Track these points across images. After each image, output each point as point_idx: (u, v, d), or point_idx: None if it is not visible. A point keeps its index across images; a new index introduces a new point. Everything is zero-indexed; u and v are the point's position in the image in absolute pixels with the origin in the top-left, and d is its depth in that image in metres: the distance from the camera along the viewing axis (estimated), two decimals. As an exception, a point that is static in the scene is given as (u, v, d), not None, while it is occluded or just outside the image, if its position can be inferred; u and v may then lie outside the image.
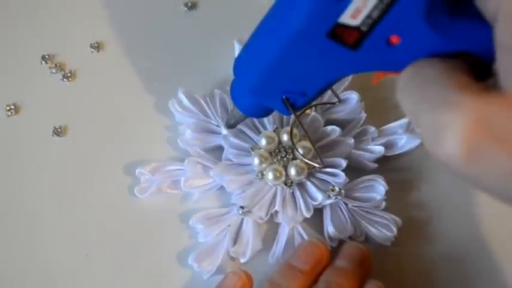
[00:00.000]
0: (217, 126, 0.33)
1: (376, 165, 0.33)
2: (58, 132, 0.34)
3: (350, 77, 0.34)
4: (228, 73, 0.35)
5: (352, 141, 0.33)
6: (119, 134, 0.35)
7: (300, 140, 0.32)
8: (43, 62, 0.36)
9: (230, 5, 0.37)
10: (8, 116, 0.35)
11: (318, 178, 0.32)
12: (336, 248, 0.31)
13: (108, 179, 0.33)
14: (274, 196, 0.32)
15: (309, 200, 0.32)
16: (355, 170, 0.33)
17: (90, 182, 0.34)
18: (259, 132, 0.33)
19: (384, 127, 0.33)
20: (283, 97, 0.26)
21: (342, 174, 0.32)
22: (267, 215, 0.31)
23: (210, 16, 0.37)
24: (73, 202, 0.33)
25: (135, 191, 0.32)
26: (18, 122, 0.35)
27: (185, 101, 0.33)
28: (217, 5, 0.37)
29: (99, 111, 0.35)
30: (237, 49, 0.35)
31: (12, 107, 0.35)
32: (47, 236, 0.33)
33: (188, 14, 0.38)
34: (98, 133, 0.35)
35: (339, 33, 0.22)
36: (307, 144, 0.32)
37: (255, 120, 0.33)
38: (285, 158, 0.32)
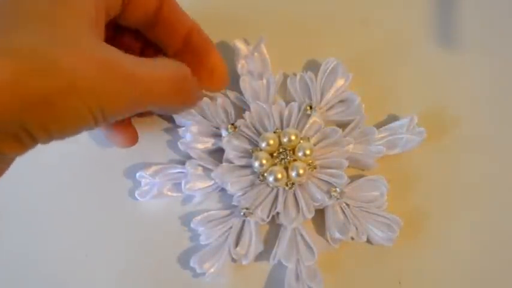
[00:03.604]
0: (218, 128, 0.33)
1: (377, 165, 0.33)
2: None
3: (350, 78, 0.34)
4: (229, 74, 0.35)
5: (353, 141, 0.32)
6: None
7: (300, 141, 0.32)
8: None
9: (230, 5, 0.37)
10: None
11: (319, 179, 0.32)
12: (338, 250, 0.32)
13: (108, 182, 0.33)
14: (276, 198, 0.32)
15: (311, 201, 0.32)
16: (356, 171, 0.33)
17: (91, 185, 0.33)
18: (260, 134, 0.32)
19: (384, 127, 0.33)
20: None
21: (343, 174, 0.32)
22: (268, 216, 0.31)
23: (210, 16, 0.37)
24: (74, 204, 0.33)
25: (136, 194, 0.32)
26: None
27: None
28: (217, 6, 0.37)
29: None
30: (238, 50, 0.34)
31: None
32: (47, 237, 0.33)
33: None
34: (98, 135, 0.34)
35: None
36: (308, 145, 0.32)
37: (256, 121, 0.33)
38: (285, 160, 0.32)
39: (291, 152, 0.32)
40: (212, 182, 0.32)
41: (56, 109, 0.20)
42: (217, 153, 0.33)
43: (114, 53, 0.23)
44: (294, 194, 0.32)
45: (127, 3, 0.27)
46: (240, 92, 0.34)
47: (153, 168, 0.32)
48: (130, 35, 0.31)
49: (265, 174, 0.32)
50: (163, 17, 0.29)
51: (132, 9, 0.28)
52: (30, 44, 0.20)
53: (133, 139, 0.31)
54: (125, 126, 0.31)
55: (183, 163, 0.32)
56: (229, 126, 0.32)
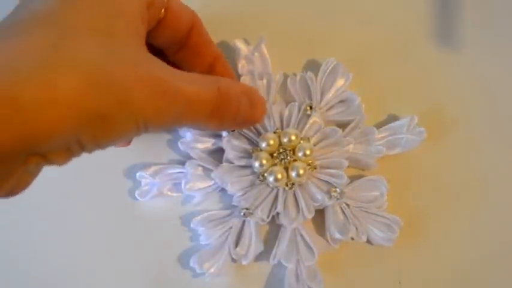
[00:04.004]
0: (218, 128, 0.33)
1: (377, 165, 0.33)
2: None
3: (350, 77, 0.34)
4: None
5: (353, 141, 0.32)
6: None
7: (300, 142, 0.32)
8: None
9: (230, 5, 0.37)
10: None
11: (319, 179, 0.32)
12: (338, 250, 0.32)
13: (108, 183, 0.33)
14: (276, 198, 0.32)
15: (311, 201, 0.32)
16: (356, 171, 0.33)
17: (91, 185, 0.33)
18: (260, 134, 0.32)
19: (384, 127, 0.33)
20: None
21: (343, 174, 0.32)
22: (268, 216, 0.31)
23: (210, 16, 0.37)
24: (74, 204, 0.33)
25: (136, 194, 0.32)
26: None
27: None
28: (217, 5, 0.37)
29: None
30: (238, 50, 0.34)
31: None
32: (46, 236, 0.33)
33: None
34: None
35: None
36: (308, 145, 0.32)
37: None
38: (286, 160, 0.32)
39: (291, 152, 0.32)
40: (212, 182, 0.32)
41: (109, 123, 0.21)
42: (218, 153, 0.33)
43: (162, 69, 0.23)
44: (294, 194, 0.32)
45: (161, 21, 0.27)
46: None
47: (153, 168, 0.32)
48: (152, 52, 0.30)
49: (265, 175, 0.32)
50: (192, 42, 0.29)
51: (164, 27, 0.28)
52: (90, 58, 0.20)
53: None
54: None
55: (183, 163, 0.32)
56: None
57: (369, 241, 0.32)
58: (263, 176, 0.32)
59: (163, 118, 0.23)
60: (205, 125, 0.26)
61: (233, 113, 0.27)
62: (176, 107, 0.23)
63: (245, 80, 0.33)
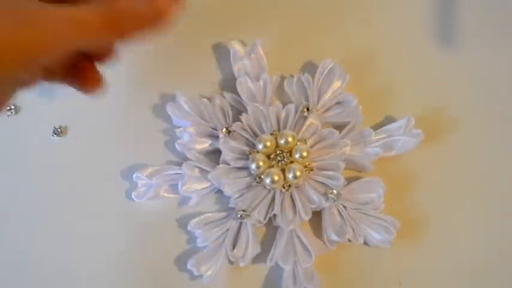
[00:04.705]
0: (215, 129, 0.33)
1: (374, 166, 0.33)
2: (58, 132, 0.34)
3: (347, 80, 0.34)
4: (226, 76, 0.35)
5: (349, 143, 0.32)
6: (117, 136, 0.34)
7: (297, 143, 0.32)
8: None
9: (227, 6, 0.37)
10: (8, 116, 0.35)
11: (316, 181, 0.32)
12: (335, 251, 0.32)
13: (105, 184, 0.33)
14: (273, 200, 0.32)
15: (307, 203, 0.32)
16: (353, 172, 0.33)
17: (88, 186, 0.33)
18: (257, 136, 0.32)
19: (381, 129, 0.33)
20: None
21: (340, 176, 0.32)
22: (265, 218, 0.31)
23: (207, 17, 0.37)
24: (71, 204, 0.33)
25: (133, 196, 0.32)
26: (18, 122, 0.35)
27: (183, 104, 0.33)
28: (214, 7, 0.37)
29: (99, 112, 0.35)
30: (235, 52, 0.34)
31: (12, 107, 0.35)
32: (45, 238, 0.33)
33: (185, 16, 0.37)
34: (96, 135, 0.34)
35: None
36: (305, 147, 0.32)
37: (253, 123, 0.33)
38: (282, 162, 0.32)
39: (288, 154, 0.32)
40: (209, 183, 0.32)
41: None
42: (214, 155, 0.33)
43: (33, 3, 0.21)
44: (291, 196, 0.32)
45: None
46: (237, 94, 0.33)
47: (150, 169, 0.32)
48: None
49: (262, 176, 0.32)
50: None
51: None
52: None
53: (97, 81, 0.28)
54: (85, 70, 0.27)
55: (180, 164, 0.32)
56: (224, 130, 0.32)
57: (366, 243, 0.32)
58: (260, 177, 0.32)
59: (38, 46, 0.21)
60: (98, 39, 0.24)
61: (129, 20, 0.24)
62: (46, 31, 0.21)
63: (241, 81, 0.33)
